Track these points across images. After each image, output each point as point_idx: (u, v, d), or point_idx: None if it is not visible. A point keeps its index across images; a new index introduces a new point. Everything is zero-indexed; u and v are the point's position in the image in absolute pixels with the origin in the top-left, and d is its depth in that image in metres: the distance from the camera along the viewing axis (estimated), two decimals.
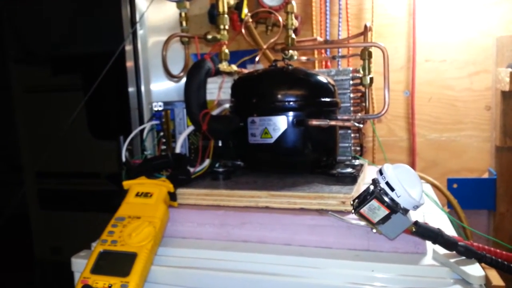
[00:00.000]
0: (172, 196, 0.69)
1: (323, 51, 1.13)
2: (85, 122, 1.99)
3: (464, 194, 1.13)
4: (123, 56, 1.20)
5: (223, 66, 0.80)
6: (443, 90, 1.21)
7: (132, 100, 1.21)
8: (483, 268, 0.54)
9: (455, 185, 1.13)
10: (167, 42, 0.81)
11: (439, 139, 1.22)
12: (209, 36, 0.80)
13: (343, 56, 1.04)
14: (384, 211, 0.53)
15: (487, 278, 1.04)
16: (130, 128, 1.19)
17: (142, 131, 0.82)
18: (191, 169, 0.76)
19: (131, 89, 1.21)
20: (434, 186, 1.05)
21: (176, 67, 0.90)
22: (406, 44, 1.23)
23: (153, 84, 1.22)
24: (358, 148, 0.91)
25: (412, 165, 1.22)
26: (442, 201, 1.09)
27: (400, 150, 1.26)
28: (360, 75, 0.83)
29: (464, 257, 0.55)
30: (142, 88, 1.20)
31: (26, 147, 2.08)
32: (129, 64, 1.21)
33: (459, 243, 0.55)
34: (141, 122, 1.15)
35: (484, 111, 1.18)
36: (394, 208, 0.53)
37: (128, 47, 1.21)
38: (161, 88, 1.25)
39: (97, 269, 0.57)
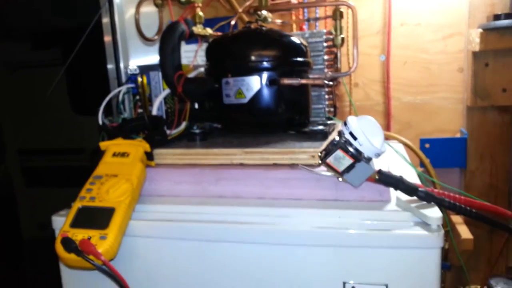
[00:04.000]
0: (149, 156, 0.71)
1: (300, 15, 1.14)
2: (67, 98, 1.97)
3: (436, 154, 1.17)
4: (101, 29, 1.19)
5: (198, 29, 0.81)
6: (418, 54, 1.24)
7: (111, 75, 1.20)
8: (441, 211, 0.57)
9: (427, 145, 1.17)
10: (139, 4, 0.81)
11: (414, 101, 1.26)
12: None
13: (316, 19, 1.05)
14: (348, 160, 0.56)
15: (457, 233, 1.09)
16: (110, 102, 1.18)
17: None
18: (168, 131, 0.77)
19: (109, 65, 1.19)
20: (407, 146, 1.08)
21: (152, 33, 0.91)
22: (382, 8, 1.24)
23: (132, 60, 1.22)
24: (332, 109, 0.93)
25: (387, 127, 1.26)
26: (415, 161, 1.13)
27: (376, 113, 1.29)
28: (333, 37, 0.85)
29: (424, 202, 0.59)
30: (121, 64, 1.18)
31: (8, 125, 2.07)
32: (107, 38, 1.20)
33: (420, 188, 0.58)
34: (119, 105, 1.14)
35: (457, 73, 1.21)
36: (357, 157, 0.56)
37: (105, 19, 1.20)
38: (141, 62, 1.24)
39: (76, 223, 0.59)
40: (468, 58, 1.14)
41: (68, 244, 0.56)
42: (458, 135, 1.22)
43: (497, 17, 1.01)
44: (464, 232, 1.09)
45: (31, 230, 2.06)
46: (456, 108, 1.23)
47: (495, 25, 1.00)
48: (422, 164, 1.13)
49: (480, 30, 1.03)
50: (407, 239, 0.55)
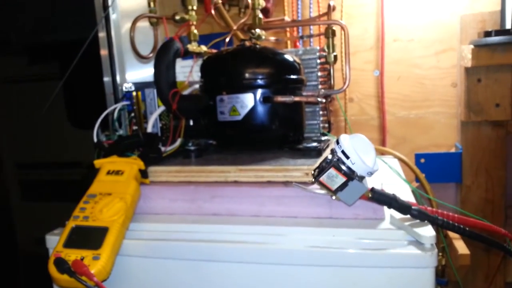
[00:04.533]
0: (144, 174, 0.71)
1: (294, 32, 1.15)
2: (64, 111, 1.98)
3: (431, 168, 1.17)
4: (98, 44, 1.20)
5: (192, 46, 0.82)
6: (411, 69, 1.25)
7: (107, 90, 1.20)
8: (434, 229, 0.57)
9: (422, 160, 1.18)
10: (134, 23, 0.82)
11: (408, 116, 1.27)
12: (177, 17, 0.81)
13: (309, 36, 1.07)
14: (341, 179, 0.56)
15: (454, 248, 1.09)
16: (107, 117, 1.19)
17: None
18: (162, 148, 0.78)
19: (106, 78, 1.20)
20: (402, 161, 1.09)
21: (147, 49, 0.91)
22: (375, 25, 1.26)
23: (128, 73, 1.23)
24: (326, 125, 0.94)
25: (383, 142, 1.27)
26: (410, 177, 1.13)
27: (371, 128, 1.30)
28: (326, 54, 0.85)
29: (418, 220, 0.59)
30: (118, 77, 1.19)
31: (5, 139, 2.06)
32: (103, 52, 1.21)
33: (413, 207, 0.58)
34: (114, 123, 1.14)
35: (450, 88, 1.23)
36: (350, 175, 0.56)
37: (102, 34, 1.21)
38: (137, 76, 1.25)
39: (70, 243, 0.59)
40: (461, 74, 1.15)
41: (61, 264, 0.55)
42: (453, 150, 1.23)
43: (488, 33, 1.02)
44: (461, 247, 1.09)
45: (27, 244, 2.04)
46: (451, 122, 1.24)
47: (486, 41, 1.02)
48: (417, 179, 1.13)
49: (472, 46, 1.04)
50: (400, 259, 0.55)
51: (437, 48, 1.22)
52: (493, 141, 1.14)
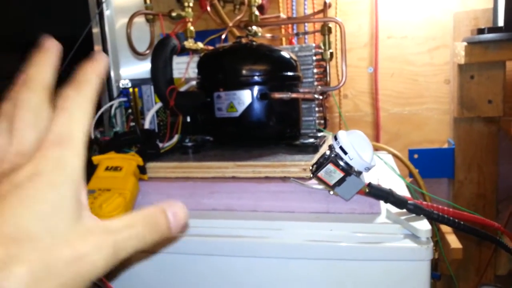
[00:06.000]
0: (142, 170, 0.72)
1: (289, 29, 1.16)
2: None
3: (424, 164, 1.19)
4: (91, 40, 1.19)
5: (189, 43, 0.82)
6: (405, 66, 1.26)
7: (101, 87, 1.20)
8: (430, 223, 0.59)
9: (415, 156, 1.19)
10: (131, 19, 0.82)
11: (402, 112, 1.28)
12: (174, 14, 0.81)
13: (305, 33, 1.07)
14: (339, 174, 0.57)
15: (446, 242, 1.11)
16: (101, 115, 1.19)
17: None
18: (160, 144, 0.78)
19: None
20: (395, 157, 1.10)
21: (144, 46, 0.91)
22: (369, 22, 1.27)
23: (122, 68, 1.22)
24: (322, 122, 0.95)
25: (377, 138, 1.28)
26: (404, 172, 1.15)
27: (365, 124, 1.31)
28: (321, 51, 0.86)
29: (414, 215, 0.60)
30: (112, 73, 1.19)
31: None
32: (97, 48, 1.20)
33: (409, 201, 0.59)
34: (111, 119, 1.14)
35: (443, 84, 1.24)
36: (348, 170, 0.57)
37: (95, 30, 1.20)
38: (131, 72, 1.25)
39: None
40: (454, 70, 1.17)
41: None
42: (445, 146, 1.24)
43: (481, 31, 1.03)
44: (453, 241, 1.11)
45: None
46: (443, 118, 1.25)
47: (479, 39, 1.03)
48: (411, 175, 1.14)
49: (465, 43, 1.06)
50: (397, 252, 0.56)
51: (431, 45, 1.24)
52: (485, 137, 1.16)
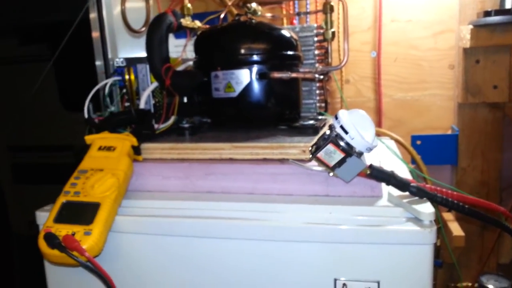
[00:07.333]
0: (136, 150, 0.70)
1: (290, 7, 1.12)
2: (56, 94, 1.94)
3: (427, 150, 1.16)
4: (89, 24, 1.16)
5: (186, 21, 0.79)
6: (409, 50, 1.23)
7: (99, 73, 1.17)
8: (433, 206, 0.57)
9: (418, 142, 1.17)
10: None
11: (405, 98, 1.25)
12: None
13: (307, 13, 1.04)
14: (339, 155, 0.55)
15: (448, 230, 1.09)
16: (99, 99, 1.16)
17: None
18: (156, 125, 0.76)
19: (98, 62, 1.17)
20: (398, 142, 1.08)
21: (140, 26, 0.89)
22: (373, 5, 1.23)
23: (121, 52, 1.19)
24: (323, 105, 0.92)
25: (379, 124, 1.25)
26: (407, 158, 1.12)
27: (367, 110, 1.27)
28: (323, 31, 0.84)
29: (416, 197, 0.58)
30: (110, 56, 1.16)
31: None
32: (95, 34, 1.17)
33: (411, 184, 0.57)
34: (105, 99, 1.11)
35: (448, 70, 1.21)
36: (349, 151, 0.55)
37: (93, 15, 1.17)
38: (130, 55, 1.22)
39: (60, 218, 0.57)
40: (459, 55, 1.14)
41: (51, 239, 0.54)
42: (449, 132, 1.22)
43: (487, 13, 1.00)
44: (456, 229, 1.09)
45: (20, 227, 2.02)
46: (447, 105, 1.23)
47: (485, 21, 1.00)
48: (413, 161, 1.12)
49: (471, 26, 1.03)
50: (399, 235, 0.54)
51: (435, 29, 1.20)
52: (490, 123, 1.14)
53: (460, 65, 1.12)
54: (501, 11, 1.00)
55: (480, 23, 1.02)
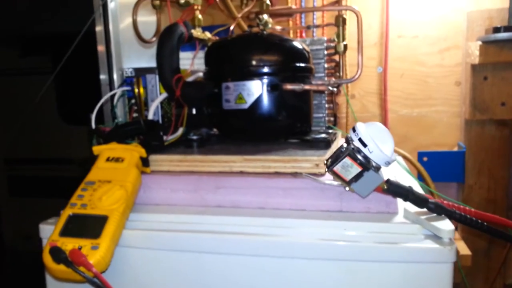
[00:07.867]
0: (145, 162, 0.68)
1: (297, 21, 1.12)
2: (56, 106, 1.92)
3: (434, 167, 1.15)
4: (94, 37, 1.15)
5: (197, 32, 0.79)
6: (415, 66, 1.23)
7: (103, 87, 1.15)
8: (452, 223, 0.55)
9: (425, 158, 1.16)
10: (137, 5, 0.78)
11: (411, 114, 1.24)
12: (182, 0, 0.78)
13: (317, 26, 1.04)
14: (356, 169, 0.54)
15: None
16: (102, 112, 1.14)
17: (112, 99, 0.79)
18: (164, 137, 0.74)
19: (102, 76, 1.15)
20: (406, 159, 1.07)
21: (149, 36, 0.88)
22: (379, 20, 1.23)
23: (127, 59, 1.18)
24: (332, 119, 0.91)
25: None
26: (413, 174, 1.11)
27: None
28: (334, 44, 0.83)
29: (434, 214, 0.56)
30: (115, 75, 1.15)
31: None
32: (100, 48, 1.16)
33: (430, 200, 0.56)
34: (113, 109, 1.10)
35: (454, 86, 1.21)
36: (366, 165, 0.53)
37: (99, 28, 1.16)
38: (136, 63, 1.21)
39: (66, 231, 0.55)
40: (466, 71, 1.14)
41: (57, 254, 0.52)
42: (455, 149, 1.21)
43: (496, 30, 1.00)
44: (462, 248, 1.07)
45: (14, 240, 1.99)
46: (453, 121, 1.22)
47: (495, 37, 1.00)
48: (420, 178, 1.11)
49: (480, 42, 1.03)
50: (417, 253, 0.52)
51: (442, 45, 1.20)
52: (497, 141, 1.13)
53: (468, 81, 1.12)
54: (511, 28, 1.00)
55: (489, 39, 1.02)
